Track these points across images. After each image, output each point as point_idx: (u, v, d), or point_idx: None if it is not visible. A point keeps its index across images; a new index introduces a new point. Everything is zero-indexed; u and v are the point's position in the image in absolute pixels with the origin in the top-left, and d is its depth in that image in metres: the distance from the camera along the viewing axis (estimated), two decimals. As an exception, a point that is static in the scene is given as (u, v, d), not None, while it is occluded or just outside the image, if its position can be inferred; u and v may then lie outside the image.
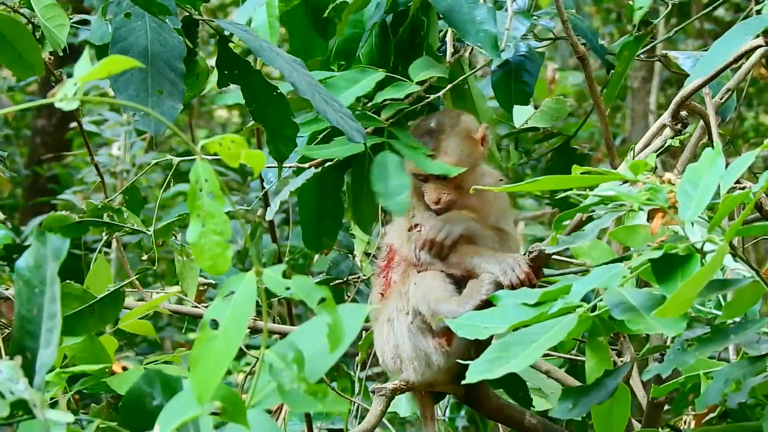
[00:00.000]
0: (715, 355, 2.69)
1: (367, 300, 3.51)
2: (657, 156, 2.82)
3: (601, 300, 2.31)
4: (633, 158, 3.10)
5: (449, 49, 3.51)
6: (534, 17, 3.60)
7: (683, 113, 3.22)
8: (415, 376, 3.00)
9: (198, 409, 1.79)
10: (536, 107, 3.91)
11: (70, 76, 1.80)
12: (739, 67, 3.42)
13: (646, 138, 3.36)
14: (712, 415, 3.00)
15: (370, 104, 3.20)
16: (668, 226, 2.24)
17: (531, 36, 3.63)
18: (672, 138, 3.26)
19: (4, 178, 4.86)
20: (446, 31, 3.53)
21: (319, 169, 3.22)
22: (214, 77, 3.05)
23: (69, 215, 3.38)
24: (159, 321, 6.67)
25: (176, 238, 3.62)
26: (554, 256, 3.14)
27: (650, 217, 2.29)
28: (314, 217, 3.34)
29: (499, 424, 3.70)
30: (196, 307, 3.79)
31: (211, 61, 3.08)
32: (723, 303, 2.59)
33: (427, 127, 3.05)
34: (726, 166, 2.22)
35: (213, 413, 1.80)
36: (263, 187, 3.70)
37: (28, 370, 1.89)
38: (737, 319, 2.38)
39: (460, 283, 2.94)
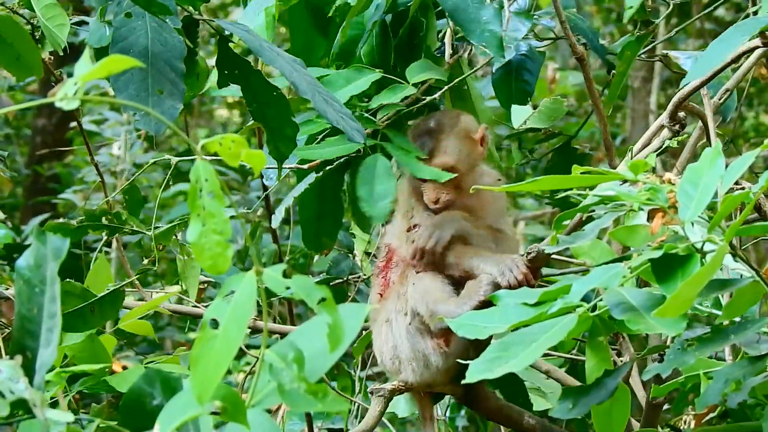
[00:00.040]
0: (712, 354, 2.69)
1: (368, 300, 3.51)
2: (656, 156, 2.82)
3: (601, 300, 2.31)
4: (631, 159, 3.10)
5: (447, 50, 3.51)
6: (535, 17, 3.60)
7: (681, 114, 3.22)
8: (414, 376, 3.00)
9: (198, 409, 1.79)
10: (535, 107, 3.91)
11: (70, 75, 1.80)
12: (739, 67, 3.42)
13: (644, 139, 3.36)
14: (712, 415, 3.00)
15: (365, 105, 3.21)
16: (668, 226, 2.24)
17: (532, 36, 3.63)
18: (670, 139, 3.26)
19: (4, 177, 4.86)
20: (445, 32, 3.54)
21: (321, 173, 3.22)
22: (214, 77, 3.05)
23: (68, 222, 3.39)
24: (159, 321, 6.67)
25: (177, 237, 3.62)
26: (554, 256, 3.14)
27: (650, 217, 2.29)
28: (314, 218, 3.34)
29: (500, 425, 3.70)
30: (196, 306, 3.80)
31: (212, 61, 3.08)
32: (722, 303, 2.59)
33: (426, 127, 3.05)
34: (726, 166, 2.22)
35: (213, 413, 1.80)
36: (264, 188, 3.70)
37: (28, 369, 1.89)
38: (737, 319, 2.38)
39: (458, 283, 2.94)
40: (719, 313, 2.53)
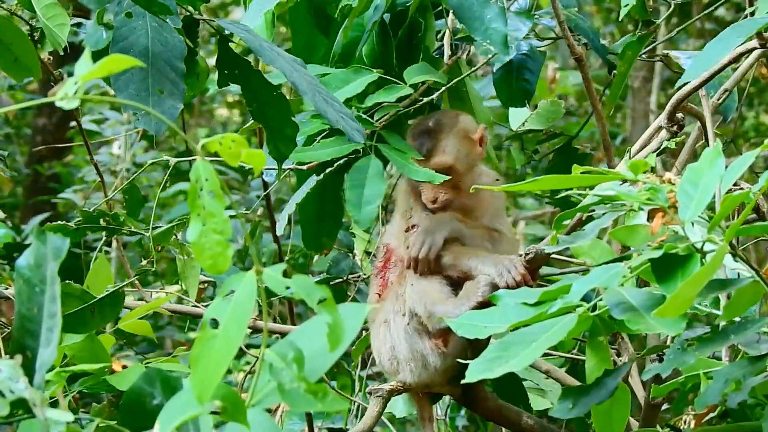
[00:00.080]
0: (712, 354, 2.69)
1: (367, 299, 3.51)
2: (656, 156, 2.82)
3: (601, 299, 2.31)
4: (630, 159, 3.10)
5: (446, 51, 3.51)
6: (535, 17, 3.60)
7: (679, 115, 3.22)
8: (412, 377, 3.00)
9: (198, 409, 1.79)
10: (534, 107, 3.91)
11: (70, 75, 1.80)
12: (738, 67, 3.42)
13: (643, 139, 3.36)
14: (712, 415, 3.00)
15: (363, 106, 3.21)
16: (668, 225, 2.24)
17: (532, 35, 3.63)
18: (668, 140, 3.26)
19: (4, 176, 4.86)
20: (444, 32, 3.54)
21: (321, 176, 3.22)
22: (214, 76, 3.05)
23: (67, 224, 3.39)
24: (159, 320, 6.67)
25: (177, 237, 3.62)
26: (554, 256, 3.14)
27: (650, 216, 2.29)
28: (314, 218, 3.34)
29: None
30: (196, 306, 3.80)
31: (212, 61, 3.08)
32: (722, 303, 2.59)
33: (425, 127, 3.06)
34: (726, 166, 2.22)
35: (213, 412, 1.80)
36: (265, 187, 3.70)
37: (28, 369, 1.89)
38: (737, 319, 2.38)
39: (457, 284, 2.94)
40: (719, 312, 2.53)
